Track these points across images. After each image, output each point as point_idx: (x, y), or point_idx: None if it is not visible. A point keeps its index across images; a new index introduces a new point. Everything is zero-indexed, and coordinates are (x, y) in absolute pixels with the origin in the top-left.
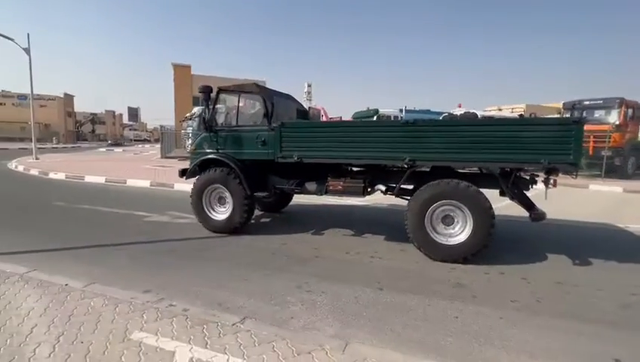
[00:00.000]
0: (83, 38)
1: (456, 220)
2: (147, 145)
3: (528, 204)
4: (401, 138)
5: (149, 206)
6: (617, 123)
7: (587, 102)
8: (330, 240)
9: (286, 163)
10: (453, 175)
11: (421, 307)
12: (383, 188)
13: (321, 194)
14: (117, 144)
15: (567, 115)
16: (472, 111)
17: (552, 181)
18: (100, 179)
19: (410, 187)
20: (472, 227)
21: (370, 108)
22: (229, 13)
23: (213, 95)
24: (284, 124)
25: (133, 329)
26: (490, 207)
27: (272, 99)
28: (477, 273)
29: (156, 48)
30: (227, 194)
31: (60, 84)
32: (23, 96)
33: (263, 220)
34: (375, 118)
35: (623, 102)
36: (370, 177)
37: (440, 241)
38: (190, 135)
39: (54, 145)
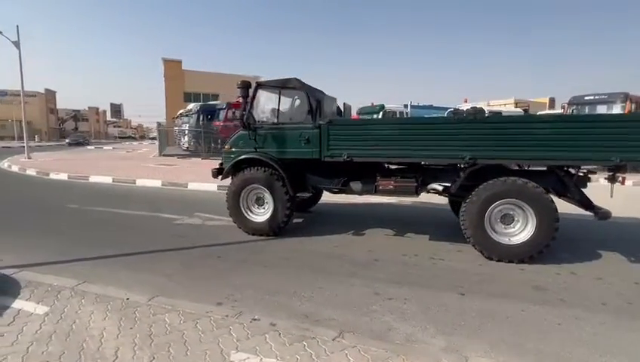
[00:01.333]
0: (65, 33)
1: (516, 219)
2: (135, 143)
3: (586, 203)
4: (462, 135)
5: (172, 207)
6: None
7: (591, 97)
8: (379, 242)
9: (331, 162)
10: (505, 173)
11: (517, 313)
12: (440, 187)
13: (369, 194)
14: (79, 143)
15: (573, 111)
16: (478, 106)
17: (620, 178)
18: (107, 179)
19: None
20: (535, 226)
21: (374, 103)
22: (217, 10)
23: (251, 91)
24: (333, 121)
25: (229, 350)
26: (556, 208)
27: (315, 96)
28: (548, 274)
29: (138, 44)
30: (267, 195)
31: (42, 80)
32: (2, 92)
33: (295, 221)
34: (381, 114)
35: (627, 97)
36: (422, 176)
37: (500, 241)
38: (186, 132)
39: (38, 143)
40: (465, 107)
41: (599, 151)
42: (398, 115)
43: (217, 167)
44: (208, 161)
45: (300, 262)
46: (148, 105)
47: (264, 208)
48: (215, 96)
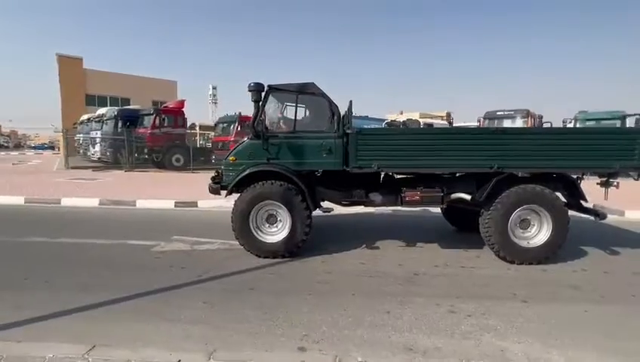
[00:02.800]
0: None
1: (532, 223)
2: (15, 153)
3: (585, 206)
4: (490, 145)
5: (135, 231)
6: None
7: (501, 113)
8: (400, 254)
9: (349, 173)
10: (517, 180)
11: (584, 314)
12: (468, 196)
13: (392, 206)
14: None
15: (486, 124)
16: (414, 118)
17: (615, 183)
18: (16, 200)
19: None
20: (551, 229)
21: None
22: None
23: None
24: (362, 130)
25: None
26: (567, 211)
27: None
28: (566, 272)
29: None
30: (282, 212)
31: None
32: None
33: None
34: None
35: (528, 113)
36: (447, 185)
37: (521, 244)
38: (98, 140)
39: None
40: (400, 118)
41: (604, 159)
42: None
43: (215, 180)
44: (136, 173)
45: (342, 285)
46: (26, 108)
47: (276, 226)
48: (126, 101)
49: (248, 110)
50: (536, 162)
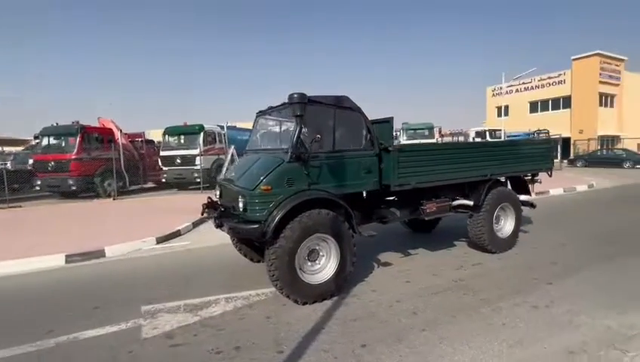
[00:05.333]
0: None
1: (502, 218)
2: None
3: (524, 199)
4: (487, 156)
5: (56, 312)
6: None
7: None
8: (420, 263)
9: (371, 192)
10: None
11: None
12: (470, 202)
13: (415, 218)
14: None
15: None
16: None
17: (539, 180)
18: None
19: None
20: (514, 221)
21: (187, 123)
22: None
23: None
24: (403, 148)
25: None
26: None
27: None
28: (536, 249)
29: None
30: (325, 244)
31: None
32: None
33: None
34: (202, 135)
35: (433, 127)
36: (450, 194)
37: (499, 236)
38: None
39: None
40: None
41: (539, 163)
42: (216, 134)
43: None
44: (19, 212)
45: (430, 315)
46: None
47: (319, 263)
48: None
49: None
50: (509, 168)
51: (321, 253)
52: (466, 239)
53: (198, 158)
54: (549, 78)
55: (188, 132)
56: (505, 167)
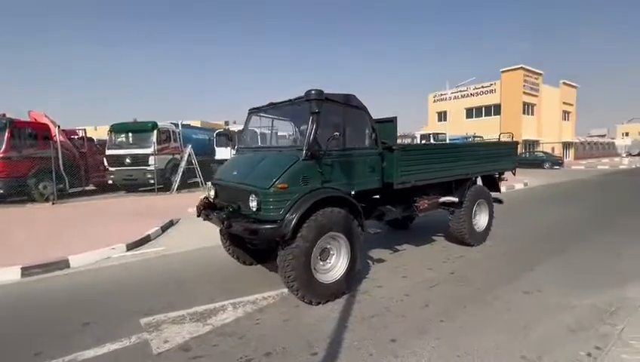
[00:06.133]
0: None
1: (478, 213)
2: None
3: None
4: (470, 156)
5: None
6: None
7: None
8: (416, 257)
9: (370, 190)
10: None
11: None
12: (455, 199)
13: (408, 215)
14: None
15: None
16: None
17: (505, 178)
18: None
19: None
20: (488, 216)
21: (136, 120)
22: None
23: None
24: (405, 147)
25: None
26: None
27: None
28: (511, 246)
29: None
30: (336, 242)
31: None
32: None
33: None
34: (155, 133)
35: None
36: (438, 192)
37: (476, 230)
38: None
39: None
40: (235, 128)
41: (507, 163)
42: (172, 134)
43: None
44: None
45: (440, 306)
46: None
47: (330, 262)
48: None
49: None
50: (485, 167)
51: (331, 252)
52: (442, 234)
53: (151, 158)
54: (482, 87)
55: (139, 130)
56: (482, 167)
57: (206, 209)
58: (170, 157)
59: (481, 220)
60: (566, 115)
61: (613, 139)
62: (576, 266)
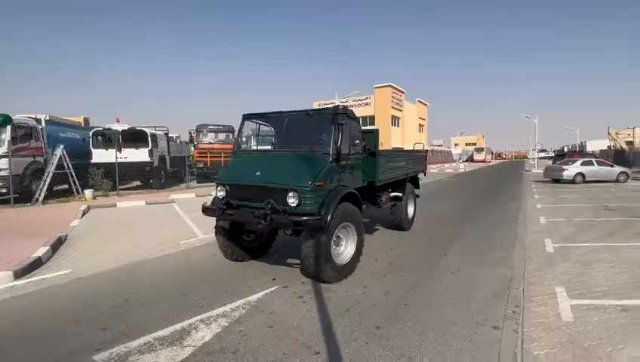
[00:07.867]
0: None
1: (408, 204)
2: None
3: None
4: (410, 160)
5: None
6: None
7: (211, 126)
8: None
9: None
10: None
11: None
12: (400, 194)
13: (373, 207)
14: None
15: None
16: (138, 127)
17: (420, 179)
18: None
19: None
20: (413, 206)
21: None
22: None
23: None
24: (382, 152)
25: None
26: None
27: None
28: (439, 233)
29: None
30: (345, 231)
31: None
32: None
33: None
34: (8, 128)
35: (232, 129)
36: (390, 189)
37: (408, 218)
38: None
39: None
40: (119, 127)
41: (424, 166)
42: (33, 131)
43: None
44: None
45: (399, 292)
46: None
47: (341, 247)
48: None
49: None
50: (415, 169)
51: (342, 238)
52: (381, 225)
53: (3, 161)
54: (360, 100)
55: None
56: (414, 168)
57: (228, 208)
58: (31, 159)
59: (409, 210)
60: (421, 127)
61: (449, 148)
62: (471, 248)
